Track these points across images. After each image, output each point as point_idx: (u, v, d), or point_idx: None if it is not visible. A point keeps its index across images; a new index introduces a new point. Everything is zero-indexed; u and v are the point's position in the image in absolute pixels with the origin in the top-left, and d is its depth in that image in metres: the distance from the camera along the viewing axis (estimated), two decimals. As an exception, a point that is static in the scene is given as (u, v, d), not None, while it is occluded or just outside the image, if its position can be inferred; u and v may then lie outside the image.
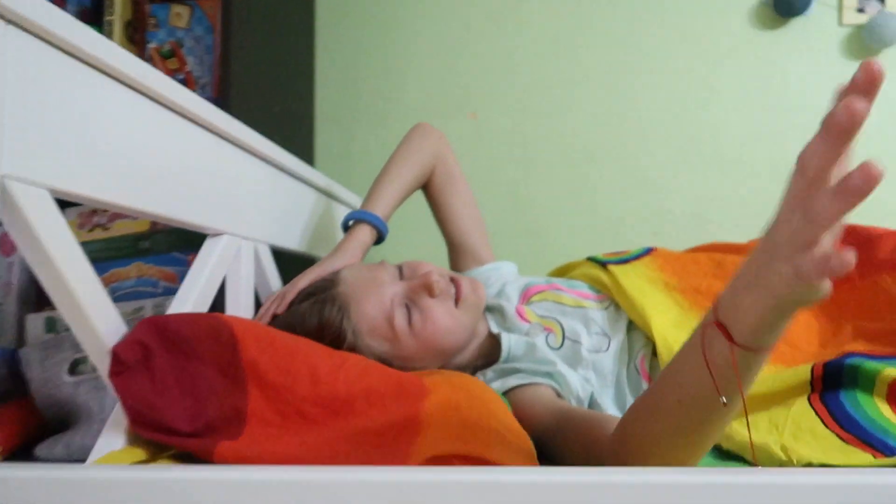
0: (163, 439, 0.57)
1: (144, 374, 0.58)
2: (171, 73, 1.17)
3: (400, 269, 0.86)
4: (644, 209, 1.49)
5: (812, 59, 1.48)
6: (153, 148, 0.68)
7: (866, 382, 0.70)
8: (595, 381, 0.86)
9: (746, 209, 1.46)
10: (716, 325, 0.45)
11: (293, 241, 1.06)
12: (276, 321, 0.82)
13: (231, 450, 0.54)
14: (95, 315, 0.57)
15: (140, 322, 0.61)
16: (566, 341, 0.89)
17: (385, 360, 0.78)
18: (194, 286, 0.74)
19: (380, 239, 0.95)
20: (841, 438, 0.65)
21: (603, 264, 0.99)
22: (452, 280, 0.85)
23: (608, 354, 0.88)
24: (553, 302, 0.95)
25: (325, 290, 0.80)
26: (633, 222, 1.49)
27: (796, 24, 1.48)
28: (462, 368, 0.89)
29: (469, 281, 0.86)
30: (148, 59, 1.18)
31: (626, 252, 1.04)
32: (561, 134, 1.53)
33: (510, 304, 0.94)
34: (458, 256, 1.09)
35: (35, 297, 1.11)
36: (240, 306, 0.84)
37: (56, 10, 0.53)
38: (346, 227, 0.95)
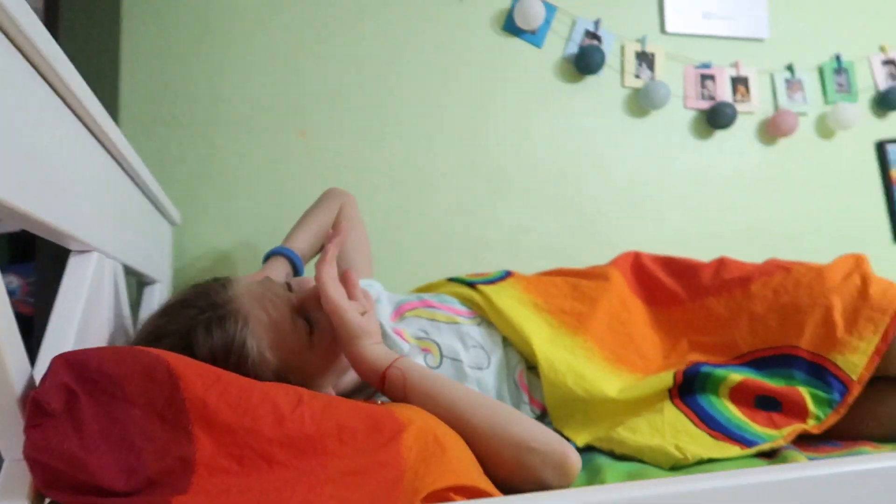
0: (91, 503, 0.47)
1: (69, 424, 0.48)
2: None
3: (288, 284, 0.83)
4: (466, 235, 1.59)
5: (601, 112, 1.72)
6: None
7: (714, 387, 0.84)
8: None
9: (554, 240, 1.64)
10: None
11: (142, 262, 0.93)
12: (145, 340, 0.72)
13: None
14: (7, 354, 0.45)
15: (53, 360, 0.49)
16: (444, 360, 0.92)
17: (282, 377, 0.74)
18: (73, 312, 0.61)
19: (295, 273, 1.02)
20: (711, 436, 0.77)
21: (471, 284, 1.05)
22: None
23: (489, 372, 0.93)
24: (427, 319, 0.98)
25: (222, 306, 0.73)
26: (456, 248, 1.58)
27: (590, 81, 1.71)
28: (354, 391, 0.87)
29: (362, 291, 0.86)
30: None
31: (487, 274, 1.11)
32: (389, 159, 1.56)
33: (387, 323, 0.94)
34: None
35: None
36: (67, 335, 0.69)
37: None
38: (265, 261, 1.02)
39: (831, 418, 0.82)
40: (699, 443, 0.75)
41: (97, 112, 0.67)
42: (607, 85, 1.73)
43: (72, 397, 0.47)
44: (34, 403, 0.45)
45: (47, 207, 0.54)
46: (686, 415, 0.80)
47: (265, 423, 0.53)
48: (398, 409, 0.61)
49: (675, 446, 0.74)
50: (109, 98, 1.34)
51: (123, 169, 0.85)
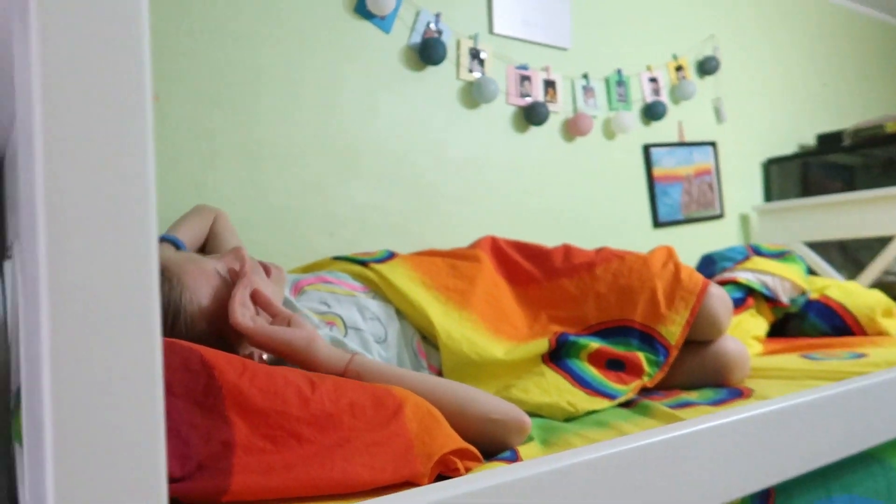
0: None
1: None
2: None
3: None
4: (318, 210, 1.63)
5: (438, 102, 1.87)
6: None
7: (577, 353, 1.05)
8: None
9: (399, 218, 1.76)
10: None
11: None
12: None
13: (242, 485, 0.52)
14: None
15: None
16: (349, 330, 1.00)
17: (207, 339, 0.78)
18: None
19: None
20: (585, 393, 0.98)
21: (362, 263, 1.13)
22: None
23: (389, 344, 1.03)
24: (327, 292, 1.04)
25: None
26: (309, 223, 1.62)
27: (431, 71, 1.85)
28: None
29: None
30: None
31: (373, 253, 1.20)
32: (245, 129, 1.54)
33: (291, 300, 0.99)
34: None
35: None
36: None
37: None
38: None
39: (659, 375, 1.08)
40: (579, 398, 0.95)
41: None
42: (445, 76, 1.88)
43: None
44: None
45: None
46: (562, 376, 1.00)
47: (293, 404, 0.58)
48: (391, 386, 0.69)
49: (567, 402, 0.93)
50: None
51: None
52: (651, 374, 1.07)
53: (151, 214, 0.36)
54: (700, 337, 1.15)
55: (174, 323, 0.77)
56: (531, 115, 2.01)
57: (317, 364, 0.77)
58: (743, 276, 1.65)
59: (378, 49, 1.75)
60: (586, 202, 2.19)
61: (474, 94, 1.91)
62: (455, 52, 1.90)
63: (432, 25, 1.83)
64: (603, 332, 1.14)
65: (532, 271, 1.26)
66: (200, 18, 1.49)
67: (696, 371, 1.15)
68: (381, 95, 1.75)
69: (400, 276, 1.11)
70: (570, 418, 0.93)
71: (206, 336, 0.78)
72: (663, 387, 1.13)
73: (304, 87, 1.63)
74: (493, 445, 0.75)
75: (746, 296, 1.60)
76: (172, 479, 0.50)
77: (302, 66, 1.62)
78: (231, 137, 1.52)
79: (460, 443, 0.66)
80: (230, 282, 0.82)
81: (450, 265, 1.20)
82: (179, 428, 0.52)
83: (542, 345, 1.05)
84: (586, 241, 1.79)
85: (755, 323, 1.56)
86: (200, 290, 0.79)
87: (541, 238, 1.64)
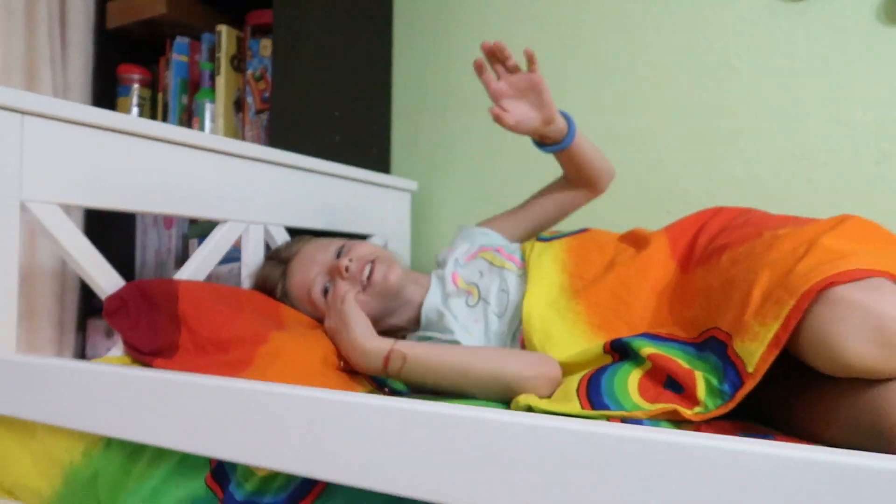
0: (132, 354, 0.89)
1: (124, 317, 0.90)
2: (261, 92, 1.44)
3: (340, 249, 1.06)
4: (657, 188, 1.49)
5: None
6: (132, 171, 0.99)
7: (634, 363, 0.79)
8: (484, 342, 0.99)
9: (759, 189, 1.40)
10: None
11: (308, 221, 1.32)
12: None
13: (164, 365, 0.85)
14: (97, 277, 0.90)
15: (128, 283, 0.93)
16: (480, 301, 1.02)
17: (315, 319, 1.05)
18: (194, 260, 1.08)
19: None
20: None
21: (540, 238, 1.11)
22: (373, 265, 1.02)
23: (504, 320, 1.00)
24: (488, 262, 1.08)
25: (280, 259, 1.11)
26: (648, 200, 1.50)
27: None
28: (394, 331, 1.08)
29: (384, 270, 1.02)
30: (246, 83, 1.46)
31: (561, 231, 1.16)
32: (625, 110, 1.51)
33: (453, 266, 1.08)
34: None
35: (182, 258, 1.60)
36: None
37: (52, 101, 0.86)
38: None
39: (718, 411, 0.69)
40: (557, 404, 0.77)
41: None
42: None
43: (124, 303, 0.90)
44: (104, 303, 0.90)
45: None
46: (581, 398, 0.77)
47: (206, 329, 0.88)
48: (279, 331, 0.92)
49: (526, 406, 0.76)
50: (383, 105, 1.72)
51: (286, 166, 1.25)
52: (706, 408, 0.70)
53: None
54: (820, 368, 0.66)
55: (272, 295, 1.09)
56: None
57: (345, 348, 0.90)
58: None
59: None
60: None
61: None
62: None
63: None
64: (700, 345, 0.79)
65: (691, 255, 0.95)
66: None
67: (848, 424, 0.66)
68: (739, 45, 1.45)
69: (545, 258, 1.05)
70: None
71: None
72: (799, 432, 0.72)
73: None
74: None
75: None
76: (141, 352, 0.88)
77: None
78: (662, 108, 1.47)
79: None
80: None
81: (615, 248, 1.05)
82: (155, 328, 0.89)
83: (595, 350, 0.83)
84: None
85: None
86: (294, 294, 1.06)
87: None
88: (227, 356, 0.86)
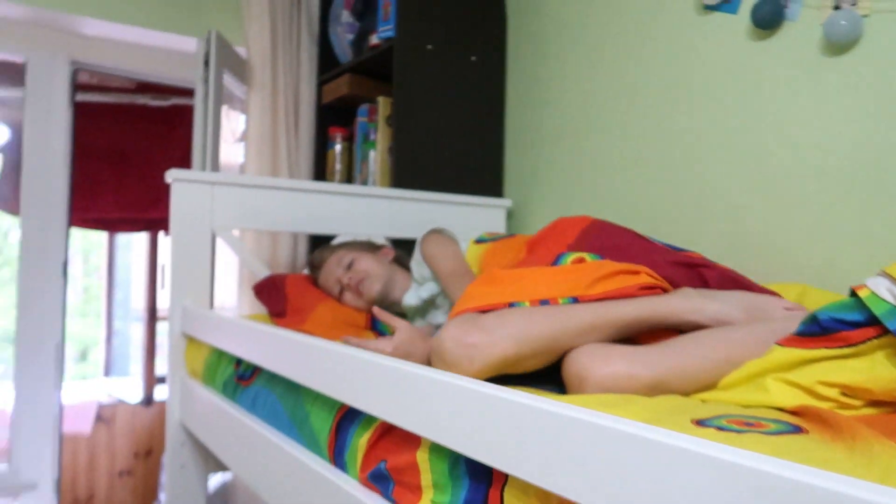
0: (269, 314, 1.58)
1: (264, 293, 1.59)
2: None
3: (350, 263, 1.56)
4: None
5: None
6: (277, 208, 1.67)
7: None
8: None
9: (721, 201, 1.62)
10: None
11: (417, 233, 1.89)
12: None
13: (279, 322, 1.51)
14: (256, 271, 1.62)
15: (267, 276, 1.63)
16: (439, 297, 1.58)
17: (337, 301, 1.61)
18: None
19: None
20: None
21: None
22: (362, 281, 1.51)
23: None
24: None
25: (314, 266, 1.65)
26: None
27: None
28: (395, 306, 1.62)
29: (368, 285, 1.51)
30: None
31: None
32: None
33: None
34: None
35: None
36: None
37: (226, 175, 1.56)
38: None
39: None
40: None
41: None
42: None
43: (261, 288, 1.59)
44: (254, 286, 1.60)
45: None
46: None
47: (294, 303, 1.53)
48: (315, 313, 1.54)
49: None
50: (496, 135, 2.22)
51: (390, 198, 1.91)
52: None
53: None
54: None
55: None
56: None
57: (432, 361, 0.99)
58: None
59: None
60: None
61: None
62: None
63: None
64: None
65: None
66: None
67: None
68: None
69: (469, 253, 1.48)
70: None
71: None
72: None
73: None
74: None
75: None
76: (272, 314, 1.57)
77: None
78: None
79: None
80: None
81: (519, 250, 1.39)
82: (277, 302, 1.57)
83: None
84: None
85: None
86: (324, 289, 1.60)
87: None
88: (297, 317, 1.49)
